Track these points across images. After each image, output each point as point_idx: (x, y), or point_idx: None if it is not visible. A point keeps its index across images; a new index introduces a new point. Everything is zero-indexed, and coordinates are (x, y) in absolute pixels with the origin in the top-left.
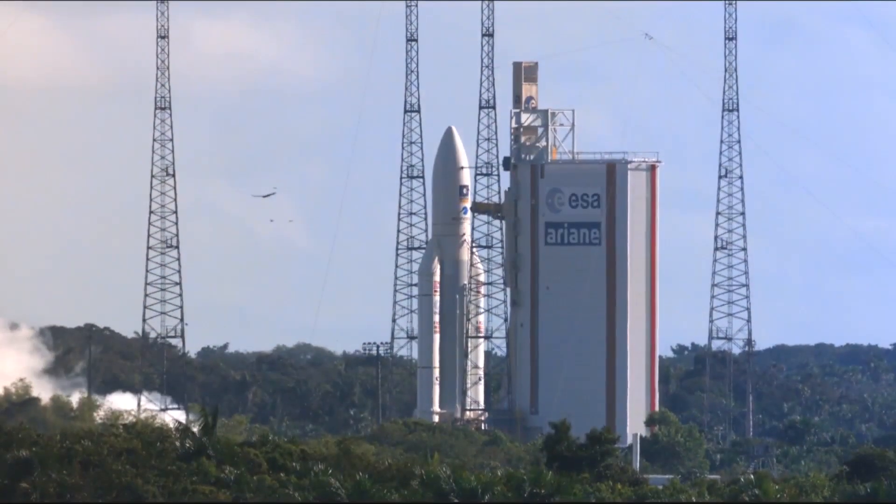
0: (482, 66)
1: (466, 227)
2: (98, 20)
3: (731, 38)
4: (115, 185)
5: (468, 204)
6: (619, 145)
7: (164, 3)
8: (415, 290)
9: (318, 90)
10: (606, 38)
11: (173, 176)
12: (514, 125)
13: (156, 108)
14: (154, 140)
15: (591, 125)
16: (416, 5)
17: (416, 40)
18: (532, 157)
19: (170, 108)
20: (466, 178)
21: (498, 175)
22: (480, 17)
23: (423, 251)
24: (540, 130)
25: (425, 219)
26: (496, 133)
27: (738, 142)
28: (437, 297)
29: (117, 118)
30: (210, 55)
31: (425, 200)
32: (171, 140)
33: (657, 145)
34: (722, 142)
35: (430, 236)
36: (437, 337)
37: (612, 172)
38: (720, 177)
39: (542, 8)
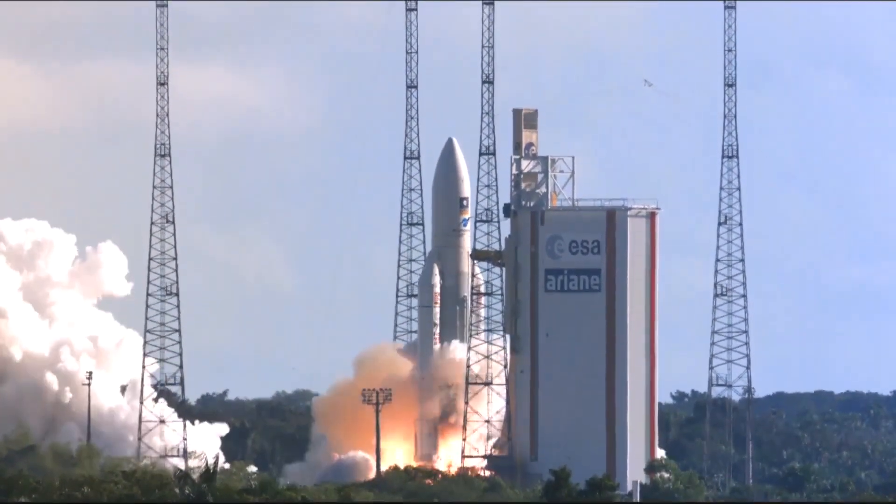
0: (482, 113)
1: (466, 239)
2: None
3: (730, 84)
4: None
5: (468, 215)
6: (619, 191)
7: (164, 50)
8: (414, 336)
9: (313, 135)
10: (606, 84)
11: (173, 223)
12: (514, 172)
13: (156, 156)
14: (154, 187)
15: (590, 171)
16: (417, 53)
17: (416, 87)
18: (532, 203)
19: (169, 156)
20: (467, 189)
21: (498, 222)
22: (480, 63)
23: (424, 262)
24: (540, 177)
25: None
26: (496, 180)
27: (738, 188)
28: (437, 309)
29: (110, 164)
30: (199, 101)
31: (424, 247)
32: (171, 187)
33: (657, 192)
34: (721, 188)
35: (430, 247)
36: (436, 348)
37: (612, 219)
38: (720, 223)
39: (542, 55)
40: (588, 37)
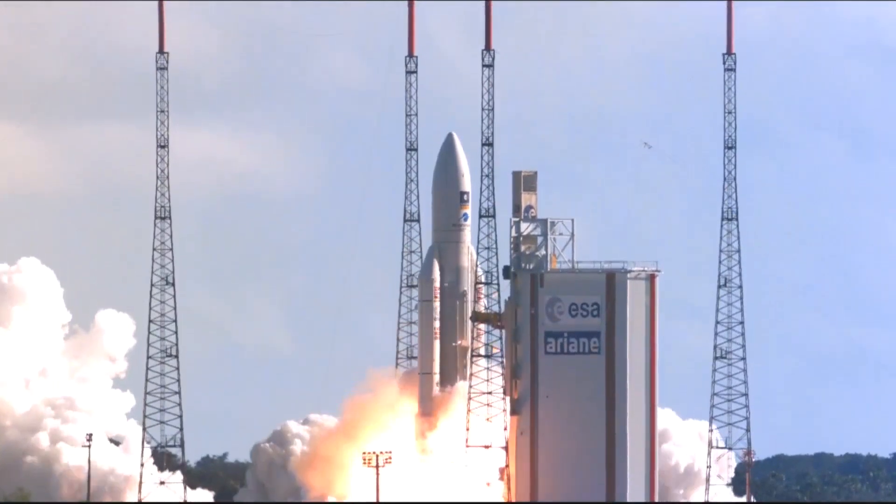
0: (482, 176)
1: (467, 234)
2: (83, 129)
3: (730, 146)
4: (111, 293)
5: (468, 210)
6: (618, 254)
7: (165, 112)
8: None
9: (312, 197)
10: (606, 146)
11: (173, 285)
12: (513, 234)
13: (156, 218)
14: (154, 249)
15: (590, 233)
16: (416, 115)
17: (416, 149)
18: (532, 266)
19: (170, 218)
20: (467, 184)
21: (498, 284)
22: (480, 126)
23: (424, 257)
24: (539, 240)
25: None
26: (496, 242)
27: (738, 251)
28: (437, 304)
29: (107, 226)
30: (196, 163)
31: (423, 307)
32: (171, 249)
33: (656, 254)
34: (721, 251)
35: (430, 242)
36: (437, 343)
37: (612, 282)
38: (719, 286)
39: (541, 116)
40: (588, 98)
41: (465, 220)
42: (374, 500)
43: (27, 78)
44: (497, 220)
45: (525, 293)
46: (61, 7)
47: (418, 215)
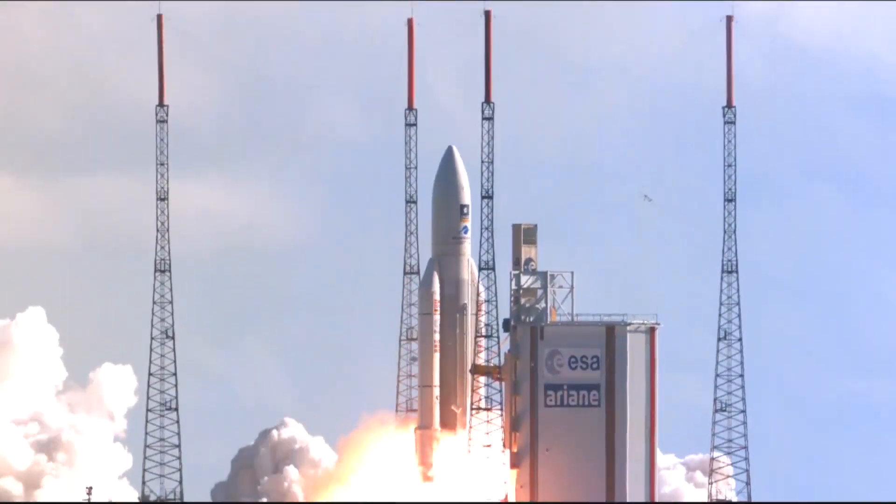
0: (482, 229)
1: (467, 247)
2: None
3: (730, 199)
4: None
5: (468, 223)
6: (618, 306)
7: (164, 165)
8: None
9: (311, 250)
10: (606, 199)
11: (173, 338)
12: (513, 287)
13: (155, 271)
14: (154, 303)
15: (590, 286)
16: (416, 169)
17: (416, 202)
18: (532, 318)
19: (170, 271)
20: (467, 197)
21: (498, 337)
22: (480, 179)
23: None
24: (539, 292)
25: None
26: (496, 295)
27: (738, 304)
28: (437, 317)
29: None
30: (195, 215)
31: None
32: (171, 302)
33: (656, 307)
34: (721, 304)
35: (430, 255)
36: (437, 356)
37: (612, 335)
38: (719, 339)
39: (541, 170)
40: (587, 151)
41: (465, 233)
42: (374, 500)
43: (25, 130)
44: (497, 273)
45: (525, 346)
46: (59, 60)
47: (417, 267)
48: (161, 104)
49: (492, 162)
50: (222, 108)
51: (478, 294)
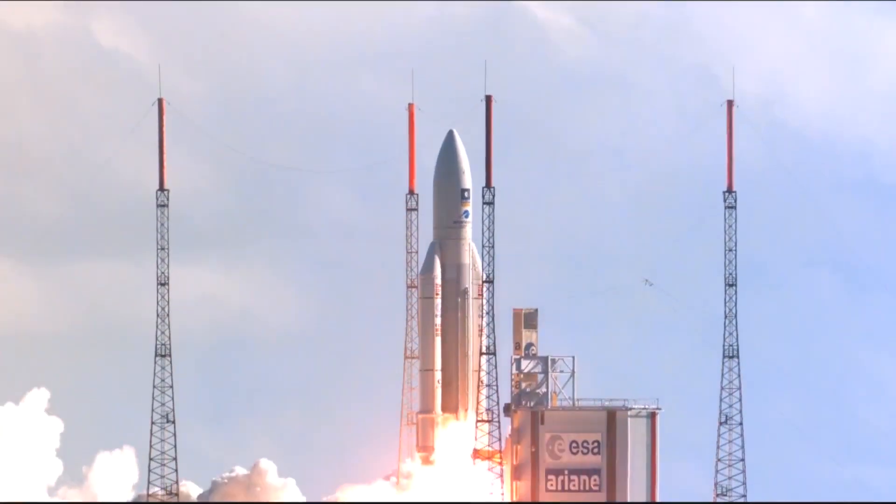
0: (482, 313)
1: (468, 231)
2: (80, 267)
3: (731, 284)
4: (109, 432)
5: (469, 207)
6: (619, 391)
7: (165, 250)
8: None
9: (309, 335)
10: (606, 283)
11: (173, 422)
12: (514, 372)
13: (156, 356)
14: (154, 387)
15: (591, 370)
16: (417, 253)
17: (417, 287)
18: (532, 403)
19: (170, 356)
20: (468, 181)
21: (499, 422)
22: (481, 263)
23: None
24: (540, 377)
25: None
26: (496, 379)
27: (739, 388)
28: (438, 300)
29: (106, 365)
30: (193, 299)
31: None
32: (172, 387)
33: (657, 391)
34: (722, 388)
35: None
36: (438, 340)
37: (613, 419)
38: (720, 423)
39: (542, 254)
40: (587, 235)
41: (466, 217)
42: (377, 501)
43: (24, 215)
44: (498, 358)
45: (526, 430)
46: (58, 144)
47: (418, 352)
48: (162, 188)
49: (492, 246)
50: (221, 192)
51: (480, 278)
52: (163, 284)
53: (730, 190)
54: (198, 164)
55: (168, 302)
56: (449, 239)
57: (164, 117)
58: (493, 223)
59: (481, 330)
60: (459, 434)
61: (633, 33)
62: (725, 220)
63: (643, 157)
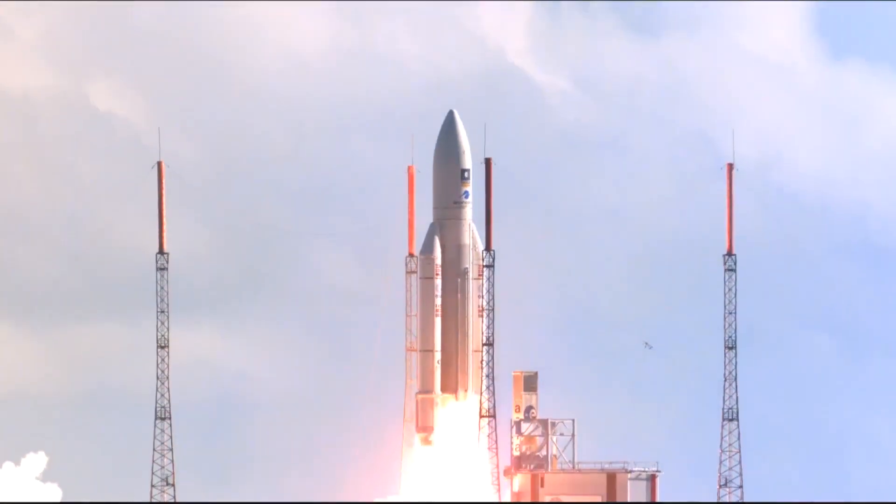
0: (482, 375)
1: (468, 211)
2: (78, 330)
3: (730, 346)
4: (110, 494)
5: (469, 188)
6: (619, 453)
7: (165, 313)
8: None
9: (308, 398)
10: (606, 346)
11: (173, 486)
12: (514, 435)
13: (156, 419)
14: (154, 450)
15: (591, 433)
16: (416, 316)
17: (416, 350)
18: (533, 466)
19: (170, 418)
20: (468, 161)
21: (499, 483)
22: (481, 325)
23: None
24: (540, 440)
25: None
26: (496, 442)
27: (739, 451)
28: (438, 281)
29: (105, 428)
30: (192, 362)
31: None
32: (172, 450)
33: (657, 454)
34: (722, 451)
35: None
36: (438, 320)
37: (613, 482)
38: (720, 486)
39: (541, 317)
40: (586, 298)
41: (466, 197)
42: (381, 501)
43: (23, 279)
44: (498, 420)
45: (526, 494)
46: (55, 209)
47: (416, 416)
48: (161, 251)
49: (492, 309)
50: (219, 255)
51: (480, 259)
52: (162, 347)
53: (730, 253)
54: (195, 226)
55: (168, 365)
56: (449, 219)
57: (164, 180)
58: (493, 286)
59: (481, 310)
60: (459, 414)
61: (630, 96)
62: (725, 282)
63: (641, 220)
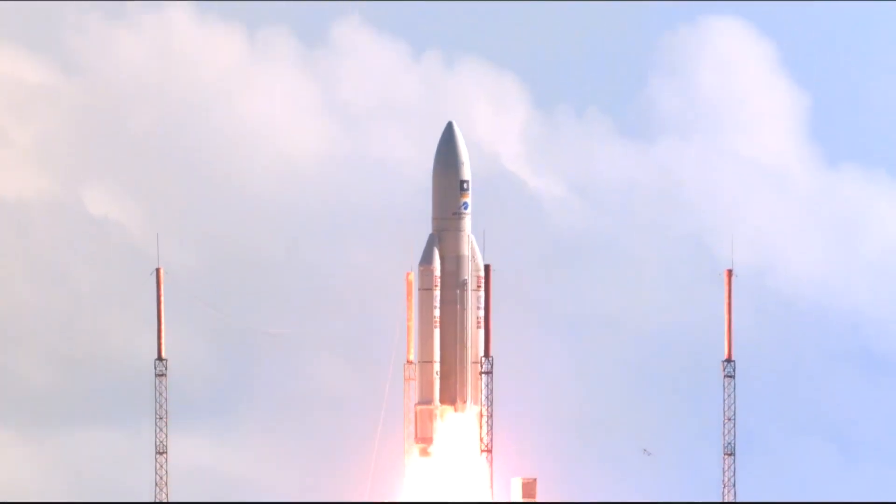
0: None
1: (467, 222)
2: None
3: (729, 453)
4: None
5: (468, 199)
6: None
7: (164, 419)
8: None
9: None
10: (605, 452)
11: None
12: None
13: None
14: None
15: None
16: (414, 424)
17: (409, 453)
18: None
19: None
20: (467, 173)
21: None
22: (480, 432)
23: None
24: None
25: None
26: None
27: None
28: (437, 292)
29: None
30: (189, 468)
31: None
32: None
33: None
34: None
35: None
36: (437, 332)
37: None
38: None
39: (539, 424)
40: (586, 404)
41: (465, 208)
42: (380, 501)
43: (20, 385)
44: None
45: None
46: (51, 315)
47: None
48: (160, 358)
49: (491, 416)
50: (216, 361)
51: (479, 270)
52: (161, 453)
53: (728, 359)
54: (190, 332)
55: (167, 471)
56: (448, 230)
57: (162, 287)
58: (491, 392)
59: (480, 322)
60: (458, 426)
61: (625, 201)
62: (724, 388)
63: (639, 326)
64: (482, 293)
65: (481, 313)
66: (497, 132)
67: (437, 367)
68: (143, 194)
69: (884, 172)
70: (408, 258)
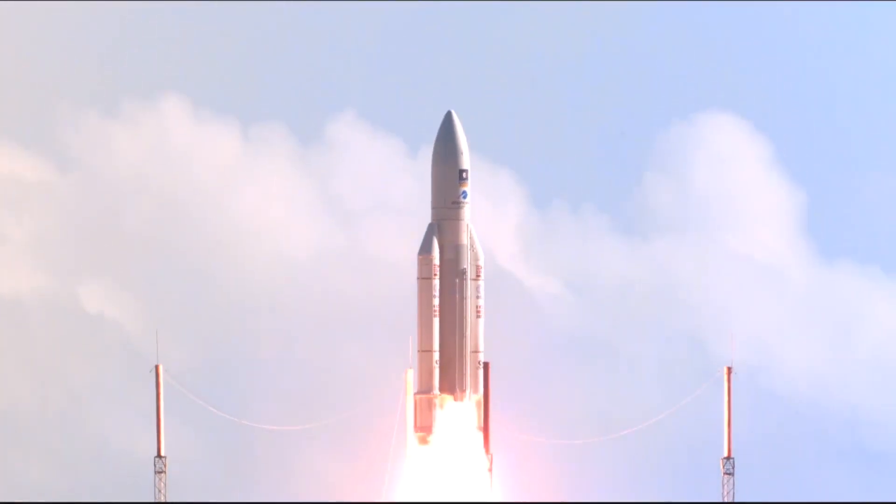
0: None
1: (466, 212)
2: None
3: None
4: None
5: (467, 188)
6: None
7: None
8: None
9: None
10: None
11: None
12: None
13: None
14: None
15: None
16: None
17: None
18: None
19: None
20: (466, 162)
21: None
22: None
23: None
24: None
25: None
26: None
27: None
28: (436, 281)
29: None
30: None
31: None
32: None
33: None
34: None
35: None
36: (436, 321)
37: None
38: None
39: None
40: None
41: (465, 197)
42: (380, 502)
43: (15, 484)
44: None
45: None
46: (47, 413)
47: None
48: (159, 455)
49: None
50: (216, 457)
51: (478, 259)
52: None
53: (728, 457)
54: (186, 428)
55: None
56: (447, 220)
57: (161, 384)
58: (489, 488)
59: (479, 311)
60: (458, 415)
61: (621, 299)
62: (723, 486)
63: (636, 424)
64: (481, 283)
65: (481, 302)
66: (492, 230)
67: (436, 356)
68: (139, 291)
69: (878, 269)
70: (405, 354)
